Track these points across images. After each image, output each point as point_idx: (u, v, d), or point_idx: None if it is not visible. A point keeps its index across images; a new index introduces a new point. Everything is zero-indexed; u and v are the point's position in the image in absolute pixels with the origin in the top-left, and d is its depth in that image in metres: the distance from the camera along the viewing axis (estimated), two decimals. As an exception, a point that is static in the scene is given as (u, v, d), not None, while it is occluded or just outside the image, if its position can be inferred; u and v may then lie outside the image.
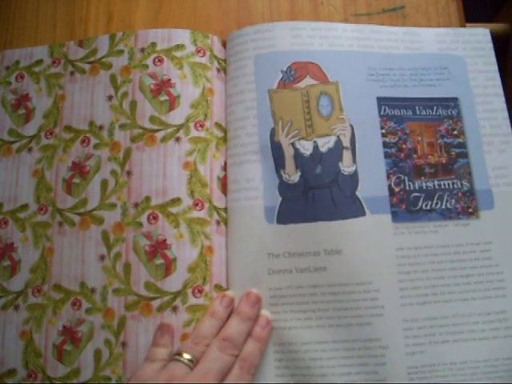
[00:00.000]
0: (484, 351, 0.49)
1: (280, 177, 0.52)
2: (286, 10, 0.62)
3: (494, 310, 0.50)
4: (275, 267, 0.50)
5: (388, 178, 0.52)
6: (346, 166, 0.52)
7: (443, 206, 0.52)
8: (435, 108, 0.55)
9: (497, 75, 0.57)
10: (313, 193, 0.51)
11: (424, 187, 0.53)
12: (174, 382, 0.43)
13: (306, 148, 0.53)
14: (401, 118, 0.55)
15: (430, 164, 0.53)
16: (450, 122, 0.55)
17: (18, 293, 0.53)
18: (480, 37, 0.59)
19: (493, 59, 0.58)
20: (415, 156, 0.54)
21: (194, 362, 0.45)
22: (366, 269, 0.50)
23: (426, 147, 0.54)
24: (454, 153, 0.54)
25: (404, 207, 0.52)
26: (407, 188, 0.52)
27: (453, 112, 0.55)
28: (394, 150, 0.53)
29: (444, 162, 0.54)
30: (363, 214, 0.51)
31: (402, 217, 0.51)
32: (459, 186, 0.53)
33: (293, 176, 0.52)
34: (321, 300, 0.49)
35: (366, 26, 0.59)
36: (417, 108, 0.55)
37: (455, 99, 0.56)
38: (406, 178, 0.53)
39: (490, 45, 0.59)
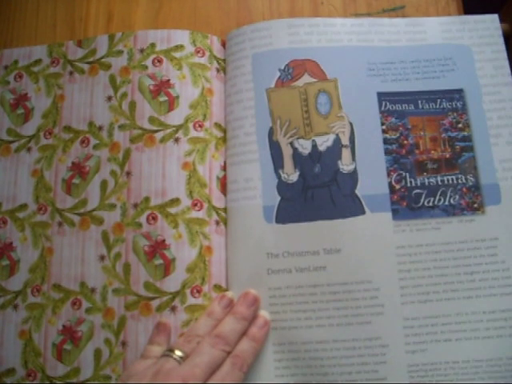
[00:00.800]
0: (487, 350, 0.47)
1: (279, 176, 0.51)
2: (286, 9, 0.60)
3: (500, 308, 0.48)
4: (274, 267, 0.49)
5: (388, 175, 0.51)
6: (345, 165, 0.51)
7: (446, 203, 0.50)
8: (439, 101, 0.53)
9: (506, 63, 0.54)
10: (312, 192, 0.50)
11: (426, 183, 0.51)
12: (160, 374, 0.41)
13: (305, 147, 0.51)
14: (402, 113, 0.53)
15: (432, 159, 0.51)
16: (455, 114, 0.52)
17: (17, 292, 0.52)
18: (488, 23, 0.56)
19: (502, 47, 0.55)
20: (417, 151, 0.52)
21: (184, 359, 0.43)
22: (365, 267, 0.49)
23: (428, 142, 0.52)
24: (458, 147, 0.52)
25: (405, 204, 0.50)
26: (408, 185, 0.51)
27: (457, 104, 0.53)
28: (394, 147, 0.52)
29: (448, 156, 0.51)
30: (363, 212, 0.50)
31: (403, 214, 0.50)
32: (464, 181, 0.51)
33: (291, 175, 0.51)
34: (320, 299, 0.48)
35: (365, 20, 0.56)
36: (419, 102, 0.53)
37: (460, 91, 0.53)
38: (408, 174, 0.51)
39: (499, 32, 0.56)
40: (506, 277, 0.49)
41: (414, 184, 0.51)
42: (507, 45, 0.55)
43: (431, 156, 0.52)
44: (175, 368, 0.42)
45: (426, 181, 0.51)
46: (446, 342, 0.47)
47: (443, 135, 0.52)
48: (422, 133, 0.52)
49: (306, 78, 0.53)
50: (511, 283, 0.49)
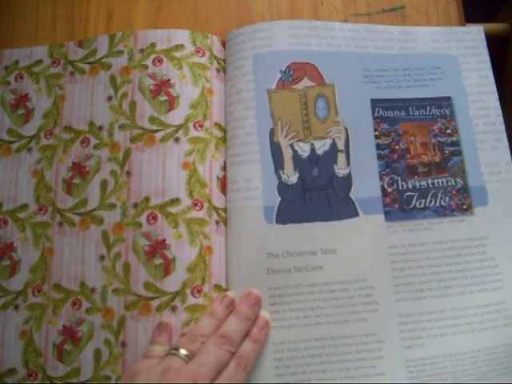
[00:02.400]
0: (484, 341, 0.48)
1: (279, 177, 0.50)
2: (285, 10, 0.59)
3: (492, 301, 0.49)
4: (274, 267, 0.48)
5: (381, 178, 0.51)
6: (341, 169, 0.51)
7: (437, 204, 0.50)
8: (428, 108, 0.53)
9: (490, 73, 0.55)
10: (310, 194, 0.50)
11: (417, 186, 0.51)
12: (170, 373, 0.40)
13: (304, 150, 0.51)
14: (394, 120, 0.53)
15: (423, 163, 0.52)
16: (444, 121, 0.53)
17: (18, 292, 0.50)
18: (473, 35, 0.56)
19: (486, 57, 0.56)
20: (408, 156, 0.52)
21: (190, 358, 0.42)
22: (360, 267, 0.49)
23: (419, 147, 0.52)
24: (447, 151, 0.52)
25: (397, 206, 0.50)
26: (400, 188, 0.51)
27: (446, 111, 0.53)
28: (386, 152, 0.52)
29: (437, 160, 0.52)
30: (356, 214, 0.50)
31: (395, 216, 0.50)
32: (453, 183, 0.51)
33: (291, 177, 0.50)
34: (318, 298, 0.47)
35: (362, 26, 0.56)
36: (410, 109, 0.53)
37: (448, 98, 0.54)
38: (399, 178, 0.51)
39: (484, 43, 0.56)
40: (497, 273, 0.50)
41: (405, 187, 0.51)
42: (507, 45, 0.55)
43: (422, 160, 0.52)
44: (183, 366, 0.41)
45: (417, 183, 0.51)
46: (443, 336, 0.47)
47: (433, 140, 0.53)
48: (412, 138, 0.53)
49: (306, 82, 0.52)
50: (501, 278, 0.49)
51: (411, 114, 0.53)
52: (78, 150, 0.53)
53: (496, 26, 0.57)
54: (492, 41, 0.56)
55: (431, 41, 0.56)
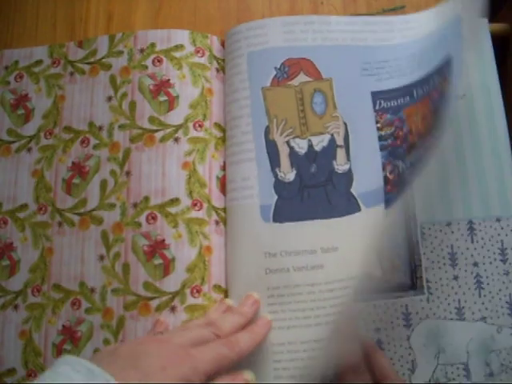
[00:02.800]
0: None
1: (275, 175, 0.49)
2: (285, 9, 0.57)
3: None
4: (272, 267, 0.47)
5: (384, 169, 0.49)
6: (340, 165, 0.49)
7: None
8: (431, 82, 0.49)
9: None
10: (308, 191, 0.48)
11: (416, 161, 0.47)
12: (139, 338, 0.39)
13: (301, 147, 0.49)
14: (398, 107, 0.50)
15: (421, 134, 0.48)
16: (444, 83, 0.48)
17: (18, 292, 0.50)
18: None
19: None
20: (410, 137, 0.49)
21: None
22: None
23: (420, 123, 0.49)
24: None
25: (396, 190, 0.48)
26: (401, 171, 0.48)
27: (445, 72, 0.48)
28: (390, 141, 0.49)
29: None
30: (358, 209, 0.48)
31: (395, 201, 0.47)
32: None
33: (288, 174, 0.49)
34: (319, 298, 0.46)
35: (359, 18, 0.54)
36: (414, 91, 0.50)
37: (449, 60, 0.47)
38: (401, 161, 0.48)
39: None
40: None
41: (405, 168, 0.48)
42: (507, 45, 0.54)
43: (420, 131, 0.49)
44: (158, 336, 0.40)
45: (416, 159, 0.48)
46: None
47: (432, 108, 0.49)
48: (415, 118, 0.49)
49: (302, 77, 0.51)
50: None
51: (415, 96, 0.50)
52: (77, 150, 0.52)
53: (496, 26, 0.55)
54: (492, 41, 0.54)
55: (436, 20, 0.52)
